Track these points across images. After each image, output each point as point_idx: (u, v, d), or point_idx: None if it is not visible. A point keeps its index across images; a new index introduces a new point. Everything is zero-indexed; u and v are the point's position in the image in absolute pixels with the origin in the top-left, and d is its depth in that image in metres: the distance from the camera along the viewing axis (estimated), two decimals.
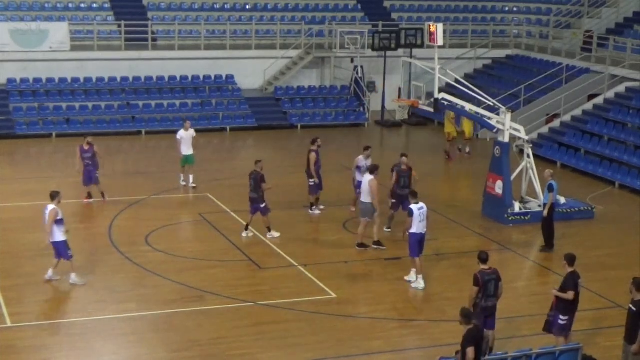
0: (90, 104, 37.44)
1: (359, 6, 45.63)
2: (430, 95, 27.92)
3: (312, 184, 25.93)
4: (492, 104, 27.28)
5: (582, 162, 32.34)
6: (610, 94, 35.91)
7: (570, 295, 16.17)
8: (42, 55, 37.95)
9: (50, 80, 37.86)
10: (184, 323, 18.41)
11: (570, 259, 16.45)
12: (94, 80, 38.36)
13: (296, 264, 21.89)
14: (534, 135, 34.62)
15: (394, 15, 45.93)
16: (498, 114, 26.99)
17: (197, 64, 39.96)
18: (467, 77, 40.86)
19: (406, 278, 20.89)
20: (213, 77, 39.98)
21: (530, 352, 14.92)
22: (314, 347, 17.53)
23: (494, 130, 26.48)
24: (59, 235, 20.02)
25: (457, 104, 26.69)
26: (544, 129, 36.08)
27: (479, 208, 26.57)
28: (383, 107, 40.30)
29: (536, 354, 14.92)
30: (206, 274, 21.29)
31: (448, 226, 25.50)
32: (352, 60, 41.04)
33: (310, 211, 26.09)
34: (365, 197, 22.59)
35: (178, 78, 39.53)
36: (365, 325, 18.73)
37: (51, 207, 20.08)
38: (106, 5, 41.97)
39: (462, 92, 28.29)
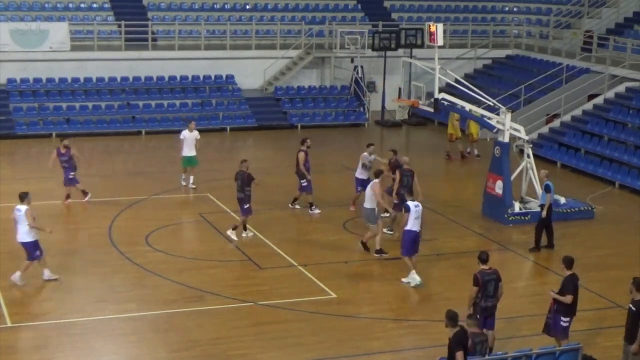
0: (90, 104, 37.44)
1: (359, 6, 45.64)
2: (430, 95, 27.91)
3: (305, 184, 25.92)
4: (492, 104, 27.28)
5: (582, 162, 32.34)
6: (610, 94, 35.92)
7: (568, 299, 16.17)
8: (42, 55, 37.95)
9: (50, 80, 37.87)
10: (184, 323, 18.41)
11: (568, 262, 16.43)
12: (94, 80, 38.36)
13: (296, 264, 21.90)
14: (534, 135, 34.62)
15: (394, 15, 45.93)
16: (498, 114, 26.99)
17: (197, 64, 39.97)
18: (467, 77, 40.87)
19: (403, 280, 20.86)
20: (213, 77, 39.98)
21: (530, 352, 14.91)
22: (314, 347, 17.54)
23: (494, 130, 26.48)
24: (28, 236, 20.01)
25: (457, 104, 26.69)
26: (544, 129, 36.08)
27: (479, 208, 26.57)
28: (383, 107, 40.30)
29: (536, 354, 14.91)
30: (206, 274, 21.29)
31: (448, 226, 25.50)
32: (352, 60, 41.05)
33: (310, 211, 26.09)
34: (367, 203, 22.29)
35: (178, 78, 39.53)
36: (365, 325, 18.72)
37: (24, 207, 20.05)
38: (106, 5, 41.97)
39: (462, 92, 28.28)
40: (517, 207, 25.85)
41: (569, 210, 26.40)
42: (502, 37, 45.75)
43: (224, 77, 40.11)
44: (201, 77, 39.80)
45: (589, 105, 36.14)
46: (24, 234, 20.02)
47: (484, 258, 16.63)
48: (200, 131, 28.78)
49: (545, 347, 15.46)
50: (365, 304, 19.93)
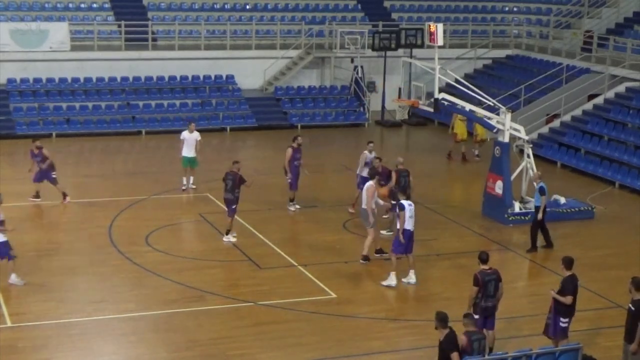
0: (90, 104, 37.44)
1: (359, 6, 45.63)
2: (430, 95, 27.91)
3: (289, 180, 25.91)
4: (492, 104, 27.28)
5: (582, 162, 32.34)
6: (610, 94, 35.91)
7: (568, 300, 16.16)
8: (42, 55, 37.94)
9: (50, 80, 37.86)
10: (184, 323, 18.41)
11: (568, 263, 16.41)
12: (94, 80, 38.36)
13: (296, 264, 21.89)
14: (534, 135, 34.61)
15: (394, 15, 45.93)
16: (498, 114, 26.99)
17: (197, 64, 39.96)
18: (467, 77, 40.86)
19: (403, 280, 20.84)
20: (213, 77, 39.98)
21: (530, 352, 14.91)
22: (314, 347, 17.54)
23: (494, 130, 26.48)
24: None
25: (457, 104, 26.69)
26: (544, 129, 36.07)
27: (479, 208, 26.57)
28: (383, 107, 40.30)
29: (536, 354, 14.91)
30: (206, 274, 21.29)
31: (448, 226, 25.51)
32: (352, 60, 41.04)
33: (288, 206, 26.06)
34: (364, 204, 22.09)
35: (178, 78, 39.52)
36: (365, 325, 18.72)
37: None
38: (106, 5, 41.97)
39: (462, 92, 28.28)
40: (517, 207, 25.85)
41: (569, 210, 26.41)
42: (502, 37, 45.74)
43: (224, 77, 40.11)
44: (201, 77, 39.80)
45: (589, 105, 36.13)
46: None
47: (484, 258, 16.63)
48: (200, 131, 28.73)
49: (545, 347, 15.46)
50: (365, 304, 19.92)
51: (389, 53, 40.25)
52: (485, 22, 46.62)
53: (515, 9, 48.03)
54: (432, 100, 26.61)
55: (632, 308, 15.36)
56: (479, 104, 27.94)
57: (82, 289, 20.28)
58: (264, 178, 26.67)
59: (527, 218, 25.61)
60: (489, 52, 44.20)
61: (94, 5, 41.80)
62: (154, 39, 40.66)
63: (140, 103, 38.14)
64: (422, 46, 39.73)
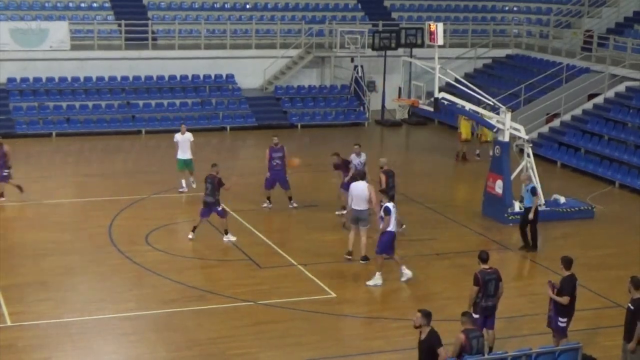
0: (90, 103, 37.45)
1: (359, 5, 45.64)
2: (430, 94, 27.91)
3: (266, 178, 26.02)
4: (492, 104, 27.28)
5: (582, 162, 32.34)
6: (610, 94, 35.91)
7: (565, 300, 16.16)
8: (42, 54, 37.96)
9: (50, 79, 37.87)
10: (184, 322, 18.41)
11: (567, 263, 16.40)
12: (94, 79, 38.37)
13: (296, 264, 21.89)
14: (534, 135, 34.61)
15: (394, 15, 45.93)
16: (498, 114, 26.99)
17: (197, 63, 39.97)
18: (467, 76, 40.86)
19: (402, 279, 20.84)
20: (213, 77, 39.98)
21: (530, 352, 14.91)
22: (313, 346, 17.54)
23: (494, 130, 26.49)
24: None
25: (457, 104, 26.69)
26: (544, 129, 36.07)
27: (479, 207, 26.56)
28: (383, 106, 40.31)
29: (536, 353, 14.91)
30: (206, 273, 21.31)
31: (448, 226, 25.51)
32: (352, 60, 41.05)
33: (263, 205, 26.17)
34: (361, 204, 21.75)
35: (178, 77, 39.53)
36: (364, 324, 18.74)
37: None
38: (106, 5, 41.98)
39: (462, 91, 28.28)
40: (517, 206, 25.83)
41: (569, 210, 26.41)
42: (502, 37, 45.75)
43: (224, 76, 40.11)
44: (201, 77, 39.80)
45: (589, 105, 36.14)
46: None
47: (484, 257, 16.62)
48: (200, 130, 28.82)
49: (545, 347, 15.46)
50: (365, 303, 19.94)
51: (389, 52, 40.26)
52: (485, 21, 46.63)
53: (515, 9, 48.03)
54: (432, 99, 26.61)
55: (631, 307, 15.37)
56: (478, 103, 27.93)
57: (82, 288, 20.28)
58: (264, 178, 26.57)
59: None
60: (489, 51, 44.21)
61: (94, 5, 41.81)
62: (154, 39, 40.67)
63: (140, 102, 38.15)
64: (422, 45, 39.75)
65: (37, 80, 37.71)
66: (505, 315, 18.08)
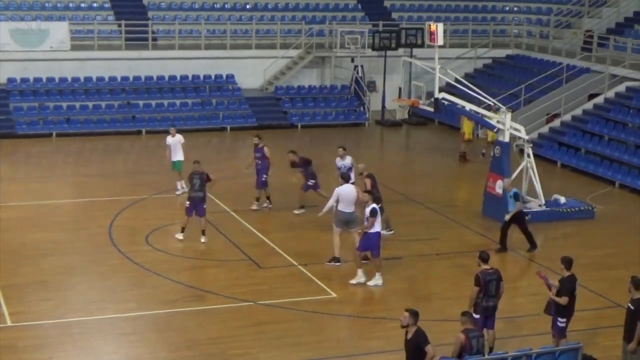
0: (90, 104, 37.45)
1: (359, 6, 45.63)
2: (430, 94, 27.93)
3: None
4: (492, 104, 27.28)
5: (582, 162, 32.34)
6: (610, 94, 35.91)
7: (563, 300, 16.16)
8: (43, 54, 37.95)
9: (50, 79, 37.87)
10: (184, 322, 18.42)
11: (568, 263, 16.40)
12: (94, 79, 38.37)
13: (296, 264, 21.89)
14: (534, 135, 34.60)
15: (394, 15, 45.93)
16: (493, 111, 27.03)
17: (197, 63, 39.97)
18: (467, 76, 40.85)
19: (369, 283, 20.63)
20: (213, 77, 39.98)
21: (530, 352, 14.91)
22: (313, 346, 17.54)
23: (495, 130, 26.49)
24: None
25: (457, 104, 26.70)
26: (544, 129, 36.08)
27: (479, 208, 26.56)
28: (383, 106, 40.31)
29: (536, 353, 14.91)
30: (206, 273, 21.31)
31: (448, 226, 25.51)
32: (353, 60, 41.05)
33: (263, 205, 26.20)
34: (350, 207, 21.51)
35: (178, 77, 39.53)
36: (364, 324, 18.74)
37: None
38: (106, 5, 41.98)
39: (463, 91, 28.28)
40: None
41: (569, 210, 26.41)
42: (502, 37, 45.73)
43: (224, 76, 40.11)
44: (201, 77, 39.80)
45: (589, 105, 36.14)
46: None
47: (485, 258, 16.62)
48: (200, 131, 28.81)
49: (545, 347, 15.46)
50: (365, 303, 19.94)
51: (389, 53, 40.26)
52: (485, 21, 46.63)
53: (515, 9, 48.03)
54: (432, 99, 26.63)
55: (632, 307, 15.37)
56: (478, 103, 27.93)
57: (83, 288, 20.28)
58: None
59: (527, 218, 25.61)
60: (489, 51, 44.20)
61: (94, 5, 41.81)
62: (154, 39, 40.67)
63: (141, 102, 38.15)
64: (422, 46, 39.74)
65: (37, 80, 37.71)
66: (505, 315, 18.08)
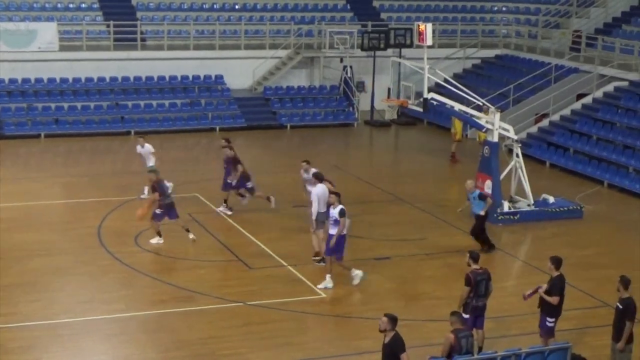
0: (79, 104, 37.38)
1: (348, 6, 45.66)
2: (419, 94, 27.95)
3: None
4: (481, 104, 27.33)
5: (570, 162, 32.41)
6: (598, 94, 36.00)
7: (554, 300, 16.20)
8: (31, 55, 37.84)
9: (38, 80, 37.78)
10: (173, 323, 18.40)
11: (557, 262, 16.44)
12: (83, 80, 38.29)
13: (286, 264, 21.89)
14: (523, 135, 34.69)
15: (383, 15, 45.96)
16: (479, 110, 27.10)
17: (186, 64, 39.93)
18: (456, 76, 40.88)
19: (319, 286, 20.45)
20: (202, 77, 39.95)
21: (519, 352, 14.94)
22: (303, 347, 17.54)
23: (483, 130, 26.53)
24: None
25: (446, 104, 26.73)
26: (533, 129, 36.15)
27: (468, 208, 26.51)
28: (372, 106, 40.33)
29: (525, 353, 14.94)
30: (196, 274, 21.28)
31: (437, 225, 25.54)
32: (342, 60, 41.07)
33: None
34: (324, 207, 21.41)
35: (167, 78, 39.48)
36: (355, 324, 18.74)
37: None
38: (95, 5, 41.89)
39: (452, 91, 28.31)
40: (506, 206, 25.91)
41: (557, 210, 26.47)
42: (491, 37, 45.78)
43: (213, 77, 40.08)
44: (190, 77, 39.76)
45: (577, 105, 36.22)
46: None
47: (475, 257, 16.64)
48: (189, 131, 28.76)
49: (534, 347, 15.49)
50: (355, 303, 19.94)
51: (378, 53, 40.29)
52: (474, 22, 46.70)
53: (504, 9, 48.11)
54: (421, 100, 26.65)
55: (620, 306, 15.42)
56: (467, 104, 27.98)
57: (72, 289, 20.24)
58: (253, 178, 26.52)
59: (515, 217, 25.71)
60: (478, 51, 44.26)
61: (83, 5, 41.72)
62: (143, 39, 40.61)
63: (129, 103, 38.10)
64: (411, 46, 39.78)
65: (25, 81, 37.61)
66: (494, 315, 18.10)
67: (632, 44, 37.56)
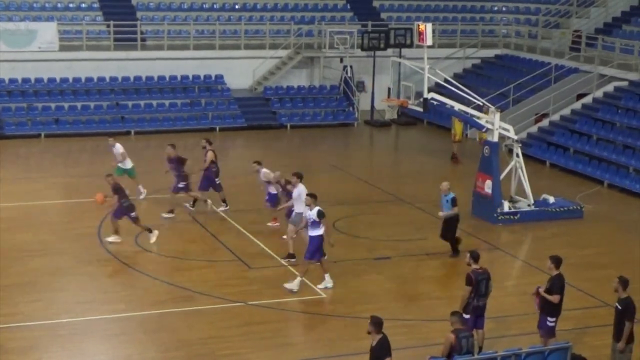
0: (79, 104, 37.38)
1: (348, 6, 45.65)
2: (419, 94, 27.94)
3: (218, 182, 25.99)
4: (481, 104, 27.32)
5: (571, 162, 32.41)
6: (599, 94, 36.00)
7: (555, 298, 16.20)
8: (31, 55, 37.84)
9: (39, 80, 37.78)
10: (173, 323, 18.40)
11: (557, 262, 16.44)
12: (83, 80, 38.29)
13: (286, 264, 21.87)
14: (523, 135, 34.69)
15: (383, 15, 45.96)
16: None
17: (186, 63, 39.92)
18: (456, 76, 40.88)
19: (319, 286, 20.35)
20: (202, 77, 39.94)
21: (519, 352, 14.94)
22: (304, 346, 17.55)
23: (483, 130, 26.52)
24: None
25: (446, 104, 26.72)
26: (533, 129, 36.15)
27: (468, 208, 26.56)
28: (372, 106, 40.33)
29: (525, 353, 14.95)
30: (196, 274, 21.27)
31: (437, 226, 25.42)
32: (342, 60, 41.06)
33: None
34: (300, 207, 21.53)
35: (167, 78, 39.47)
36: (355, 324, 18.71)
37: None
38: (95, 5, 41.89)
39: (452, 91, 28.31)
40: (506, 206, 25.91)
41: (557, 210, 26.46)
42: (491, 37, 45.77)
43: (213, 77, 40.08)
44: (190, 77, 39.76)
45: (577, 105, 36.23)
46: None
47: (476, 257, 16.64)
48: (189, 131, 28.79)
49: (534, 346, 15.49)
50: (355, 303, 19.90)
51: (378, 53, 40.29)
52: (474, 21, 46.70)
53: (504, 9, 48.10)
54: (422, 99, 26.65)
55: (619, 307, 15.43)
56: (467, 103, 27.96)
57: (72, 289, 20.24)
58: (252, 178, 26.52)
59: (516, 217, 25.71)
60: (478, 51, 44.26)
61: (83, 5, 41.72)
62: (143, 39, 40.61)
63: (129, 103, 38.11)
64: (411, 46, 39.78)
65: (25, 81, 37.62)
66: (494, 315, 18.11)
67: (632, 43, 37.57)
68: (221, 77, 40.10)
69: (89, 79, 38.35)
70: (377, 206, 27.36)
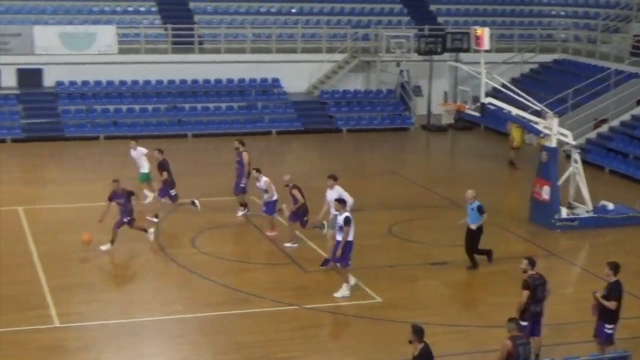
0: (137, 107, 37.76)
1: (405, 10, 45.56)
2: (476, 99, 27.76)
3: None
4: (539, 109, 27.07)
5: (631, 168, 32.02)
6: None
7: (612, 305, 15.99)
8: (90, 58, 38.32)
9: (98, 83, 38.24)
10: (230, 325, 18.48)
11: (615, 268, 16.24)
12: (141, 83, 38.68)
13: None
14: (582, 141, 34.34)
15: (440, 19, 45.80)
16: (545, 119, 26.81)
17: (243, 67, 40.13)
18: (513, 81, 40.50)
19: (336, 294, 20.07)
20: (259, 81, 40.12)
21: None
22: (357, 351, 17.51)
23: (541, 135, 26.29)
24: None
25: (503, 109, 26.53)
26: (592, 134, 35.77)
27: (525, 214, 26.36)
28: (429, 111, 40.21)
29: None
30: (251, 276, 21.36)
31: (494, 232, 25.27)
32: (398, 64, 40.99)
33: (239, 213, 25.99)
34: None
35: (224, 81, 39.71)
36: (408, 329, 18.62)
37: None
38: (153, 9, 42.31)
39: (509, 96, 28.10)
40: (564, 212, 25.64)
41: (617, 217, 26.13)
42: (549, 41, 45.43)
43: (270, 80, 40.24)
44: (247, 80, 39.96)
45: (637, 110, 35.80)
46: None
47: (533, 263, 16.50)
48: (245, 134, 28.85)
49: (593, 355, 15.32)
50: (409, 308, 19.84)
51: (434, 57, 40.15)
52: (532, 26, 46.35)
53: (562, 13, 47.69)
54: (479, 104, 26.49)
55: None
56: (525, 108, 27.73)
57: (128, 290, 20.44)
58: (310, 181, 26.54)
59: (574, 224, 25.44)
60: (536, 56, 43.91)
61: (141, 9, 42.15)
62: (200, 42, 40.92)
63: (187, 106, 38.40)
64: (468, 50, 39.54)
65: (85, 83, 38.10)
66: (551, 322, 17.91)
67: None
68: (277, 80, 40.24)
69: (147, 82, 38.73)
70: (433, 211, 27.24)
